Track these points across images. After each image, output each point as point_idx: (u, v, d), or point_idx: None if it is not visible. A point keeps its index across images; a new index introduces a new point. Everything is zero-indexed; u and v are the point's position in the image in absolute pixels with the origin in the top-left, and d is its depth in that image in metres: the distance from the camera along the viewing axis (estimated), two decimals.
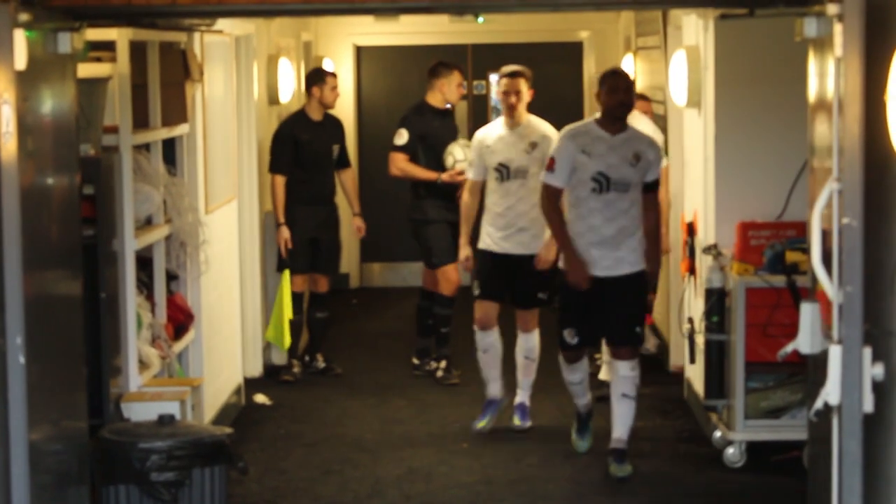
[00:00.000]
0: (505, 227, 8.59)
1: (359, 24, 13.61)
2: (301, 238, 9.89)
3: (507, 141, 8.62)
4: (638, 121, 9.31)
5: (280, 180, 9.85)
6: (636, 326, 7.77)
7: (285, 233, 9.85)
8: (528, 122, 8.74)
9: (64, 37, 4.99)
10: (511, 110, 8.59)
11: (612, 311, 7.66)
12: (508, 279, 8.60)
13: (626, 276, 7.64)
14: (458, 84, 10.17)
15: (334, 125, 10.33)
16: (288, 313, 9.80)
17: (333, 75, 10.38)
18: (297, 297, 10.05)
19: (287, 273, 9.82)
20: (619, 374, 7.74)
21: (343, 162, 10.38)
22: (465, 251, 9.02)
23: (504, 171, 8.57)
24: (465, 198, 8.89)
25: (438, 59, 10.46)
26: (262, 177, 10.26)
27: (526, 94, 8.67)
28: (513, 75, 8.65)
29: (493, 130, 8.81)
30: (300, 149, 9.93)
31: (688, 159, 9.19)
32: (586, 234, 7.58)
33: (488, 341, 8.72)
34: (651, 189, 7.70)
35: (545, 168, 7.80)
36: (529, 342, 8.73)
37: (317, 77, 10.22)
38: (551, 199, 7.70)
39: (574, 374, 8.04)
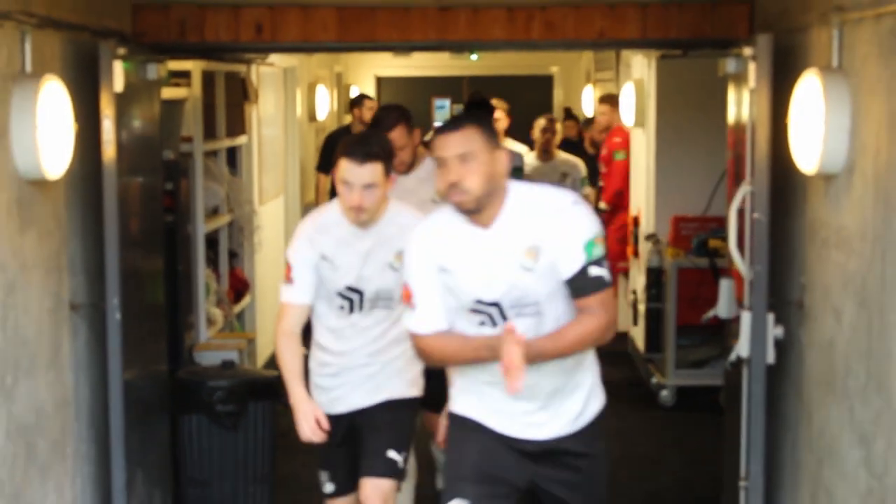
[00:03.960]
0: None
1: (379, 59, 13.63)
2: None
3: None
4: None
5: (323, 178, 9.84)
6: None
7: None
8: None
9: (151, 67, 5.00)
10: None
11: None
12: None
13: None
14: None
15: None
16: None
17: (371, 99, 10.39)
18: None
19: None
20: None
21: None
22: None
23: None
24: None
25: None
26: (303, 177, 10.29)
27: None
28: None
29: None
30: None
31: (634, 167, 9.21)
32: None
33: None
34: (586, 290, 3.45)
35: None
36: None
37: (358, 101, 10.18)
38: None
39: None
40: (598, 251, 3.44)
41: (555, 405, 3.60)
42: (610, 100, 9.68)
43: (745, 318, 4.53)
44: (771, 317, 4.49)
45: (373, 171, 3.99)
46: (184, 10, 5.20)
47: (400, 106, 5.18)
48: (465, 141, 3.43)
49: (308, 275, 4.19)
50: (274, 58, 8.71)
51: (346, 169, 4.00)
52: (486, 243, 3.49)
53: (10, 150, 3.85)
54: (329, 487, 4.40)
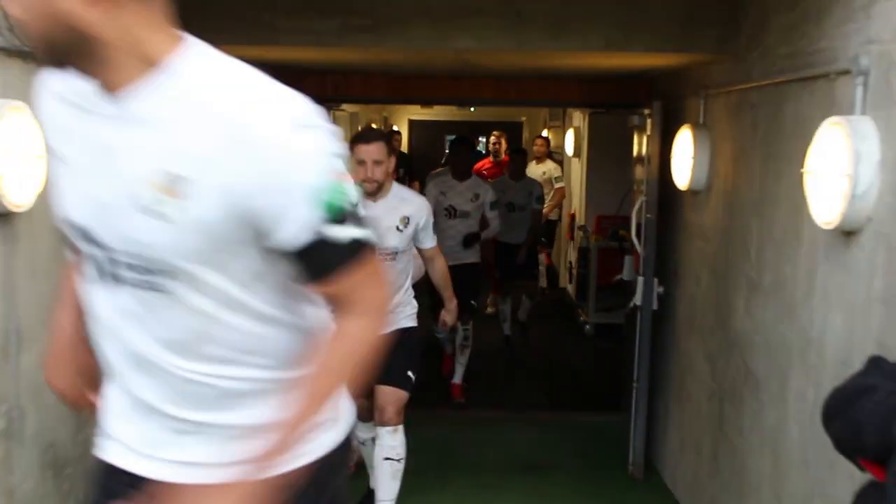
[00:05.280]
0: None
1: (412, 109, 13.60)
2: None
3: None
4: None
5: None
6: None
7: None
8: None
9: None
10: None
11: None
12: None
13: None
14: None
15: (402, 158, 10.07)
16: None
17: (399, 133, 10.32)
18: None
19: None
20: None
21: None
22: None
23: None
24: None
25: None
26: None
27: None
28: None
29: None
30: None
31: (573, 182, 9.24)
32: None
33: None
34: (333, 265, 1.17)
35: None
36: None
37: (388, 135, 10.07)
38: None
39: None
40: (341, 197, 1.20)
41: (198, 423, 1.32)
42: (502, 135, 8.43)
43: (640, 281, 4.54)
44: (656, 280, 4.50)
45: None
46: (286, 75, 5.24)
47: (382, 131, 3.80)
48: None
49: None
50: (345, 106, 8.74)
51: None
52: (104, 129, 1.19)
53: None
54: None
